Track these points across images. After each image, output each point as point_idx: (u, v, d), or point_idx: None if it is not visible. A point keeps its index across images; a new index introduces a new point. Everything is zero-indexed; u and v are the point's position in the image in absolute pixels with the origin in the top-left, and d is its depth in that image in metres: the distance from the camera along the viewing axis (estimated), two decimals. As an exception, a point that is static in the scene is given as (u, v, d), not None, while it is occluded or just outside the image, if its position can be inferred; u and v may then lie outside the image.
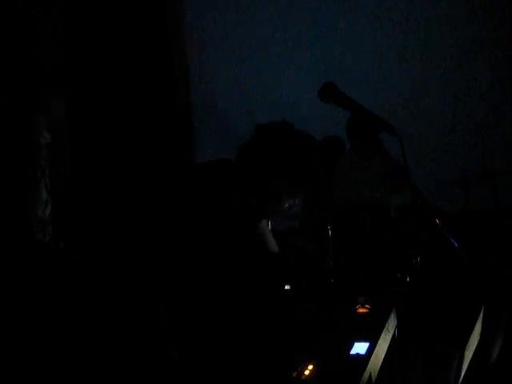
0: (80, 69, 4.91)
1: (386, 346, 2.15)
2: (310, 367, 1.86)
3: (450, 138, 5.39)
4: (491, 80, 5.39)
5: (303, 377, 1.83)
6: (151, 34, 5.11)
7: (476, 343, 2.45)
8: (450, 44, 5.40)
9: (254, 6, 5.42)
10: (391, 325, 2.21)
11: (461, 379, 2.19)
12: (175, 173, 2.52)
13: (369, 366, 1.89)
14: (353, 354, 1.93)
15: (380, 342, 2.05)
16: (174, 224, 2.22)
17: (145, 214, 2.35)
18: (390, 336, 2.20)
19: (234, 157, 2.34)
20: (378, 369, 2.02)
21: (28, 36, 4.24)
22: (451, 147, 5.36)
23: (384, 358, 2.09)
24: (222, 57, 5.41)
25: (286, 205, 2.26)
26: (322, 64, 5.37)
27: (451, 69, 5.40)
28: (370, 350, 1.96)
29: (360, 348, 1.97)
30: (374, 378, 1.93)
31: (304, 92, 4.90)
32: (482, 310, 2.55)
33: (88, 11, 4.95)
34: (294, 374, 1.83)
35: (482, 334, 2.47)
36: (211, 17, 5.42)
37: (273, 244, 2.37)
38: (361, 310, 2.24)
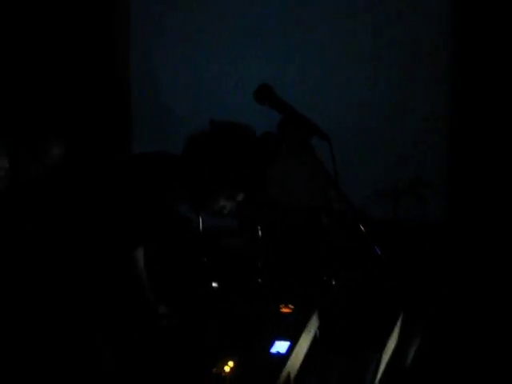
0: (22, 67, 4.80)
1: (307, 345, 2.19)
2: (231, 364, 1.89)
3: (380, 149, 5.54)
4: (423, 93, 5.57)
5: (223, 373, 1.84)
6: (96, 34, 5.06)
7: (393, 347, 2.54)
8: (387, 58, 5.56)
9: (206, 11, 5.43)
10: (313, 325, 2.26)
11: (377, 380, 2.25)
12: (111, 163, 2.50)
13: (288, 365, 1.93)
14: (273, 353, 1.96)
15: (301, 341, 2.09)
16: (106, 214, 2.21)
17: (78, 207, 2.33)
18: (311, 336, 2.24)
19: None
20: (298, 368, 2.06)
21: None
22: (382, 157, 5.51)
23: (304, 358, 2.13)
24: (167, 54, 5.38)
25: (222, 203, 2.29)
26: (268, 73, 5.45)
27: (386, 81, 5.56)
28: (291, 349, 2.00)
29: (281, 347, 2.00)
30: (292, 376, 1.97)
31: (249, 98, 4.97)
32: (401, 316, 2.64)
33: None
34: (214, 371, 1.85)
35: (399, 339, 2.56)
36: (158, 14, 5.39)
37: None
38: (284, 310, 2.28)
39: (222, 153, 2.24)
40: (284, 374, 1.89)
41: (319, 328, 2.32)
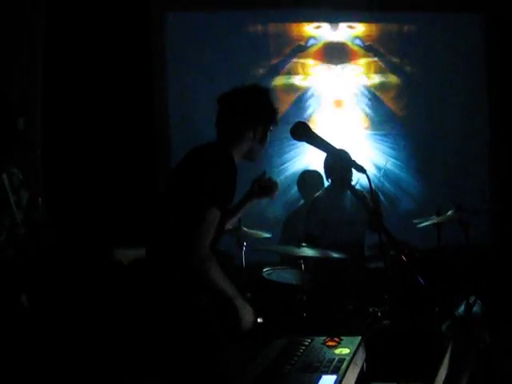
0: (58, 88, 4.94)
1: (354, 379, 2.17)
2: (278, 399, 1.88)
3: (423, 177, 5.53)
4: (461, 120, 5.57)
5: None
6: (134, 61, 5.19)
7: (443, 378, 2.49)
8: (425, 91, 5.60)
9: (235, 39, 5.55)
10: (359, 358, 2.24)
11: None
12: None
13: (336, 399, 1.91)
14: (320, 387, 1.95)
15: (348, 375, 2.07)
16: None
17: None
18: (358, 369, 2.22)
19: None
20: (346, 402, 2.03)
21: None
22: (425, 186, 5.50)
23: (352, 392, 2.11)
24: (200, 82, 5.49)
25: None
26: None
27: (424, 109, 5.58)
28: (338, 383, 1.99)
29: (327, 381, 1.98)
30: (340, 410, 1.95)
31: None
32: (450, 345, 2.60)
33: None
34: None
35: (450, 368, 2.51)
36: (191, 44, 5.51)
37: None
38: (330, 343, 2.27)
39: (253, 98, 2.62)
40: (332, 408, 1.87)
41: (366, 360, 2.30)
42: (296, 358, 2.15)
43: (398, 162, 5.54)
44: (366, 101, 5.63)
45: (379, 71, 5.63)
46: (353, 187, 3.56)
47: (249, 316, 2.50)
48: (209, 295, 2.43)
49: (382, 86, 5.63)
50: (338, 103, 5.65)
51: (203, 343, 2.38)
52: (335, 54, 5.63)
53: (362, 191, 4.16)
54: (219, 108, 2.66)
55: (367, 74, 5.61)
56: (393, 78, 5.64)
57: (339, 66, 5.63)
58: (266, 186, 2.88)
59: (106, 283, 3.76)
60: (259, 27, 5.58)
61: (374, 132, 5.60)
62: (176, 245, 2.37)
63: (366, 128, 5.61)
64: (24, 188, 2.95)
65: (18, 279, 2.76)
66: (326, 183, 4.74)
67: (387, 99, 5.63)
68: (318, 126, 5.48)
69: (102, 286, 3.77)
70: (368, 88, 5.62)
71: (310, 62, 5.65)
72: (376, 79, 5.63)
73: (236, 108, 2.63)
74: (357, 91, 5.64)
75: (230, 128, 2.61)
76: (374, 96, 5.63)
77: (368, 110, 5.61)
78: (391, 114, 5.62)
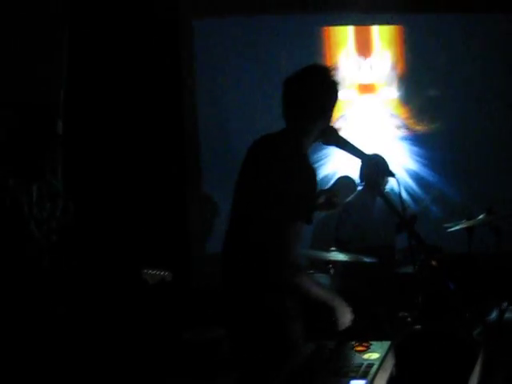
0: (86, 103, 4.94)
1: (383, 384, 2.16)
2: (307, 404, 1.89)
3: (453, 181, 5.48)
4: (493, 123, 5.51)
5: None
6: (163, 71, 5.21)
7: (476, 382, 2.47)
8: (458, 95, 5.56)
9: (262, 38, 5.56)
10: (389, 363, 2.23)
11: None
12: None
13: (364, 404, 1.91)
14: (349, 392, 1.95)
15: (377, 380, 2.07)
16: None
17: None
18: (388, 375, 2.21)
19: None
20: (375, 407, 2.03)
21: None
22: (455, 190, 5.45)
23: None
24: (230, 89, 5.51)
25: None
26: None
27: (458, 116, 5.54)
28: (367, 388, 1.98)
29: (357, 386, 1.99)
30: (369, 416, 1.95)
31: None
32: (482, 352, 2.57)
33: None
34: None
35: (481, 375, 2.49)
36: (220, 50, 5.54)
37: None
38: (359, 348, 2.27)
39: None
40: (361, 413, 1.87)
41: (395, 366, 2.29)
42: (325, 363, 2.16)
43: (426, 162, 5.51)
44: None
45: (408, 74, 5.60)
46: (382, 192, 3.53)
47: (346, 315, 2.56)
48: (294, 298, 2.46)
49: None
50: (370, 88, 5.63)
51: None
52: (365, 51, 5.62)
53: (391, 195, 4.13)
54: (288, 96, 2.55)
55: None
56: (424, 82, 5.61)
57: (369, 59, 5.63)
58: (330, 201, 2.81)
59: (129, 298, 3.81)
60: (285, 31, 5.57)
61: (407, 133, 5.57)
62: (265, 259, 2.38)
63: (406, 118, 5.57)
64: (60, 196, 2.95)
65: (55, 289, 2.77)
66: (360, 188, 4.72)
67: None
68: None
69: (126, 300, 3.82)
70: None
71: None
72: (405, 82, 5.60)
73: (309, 92, 2.50)
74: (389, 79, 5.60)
75: (304, 115, 2.50)
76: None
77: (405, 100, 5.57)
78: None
